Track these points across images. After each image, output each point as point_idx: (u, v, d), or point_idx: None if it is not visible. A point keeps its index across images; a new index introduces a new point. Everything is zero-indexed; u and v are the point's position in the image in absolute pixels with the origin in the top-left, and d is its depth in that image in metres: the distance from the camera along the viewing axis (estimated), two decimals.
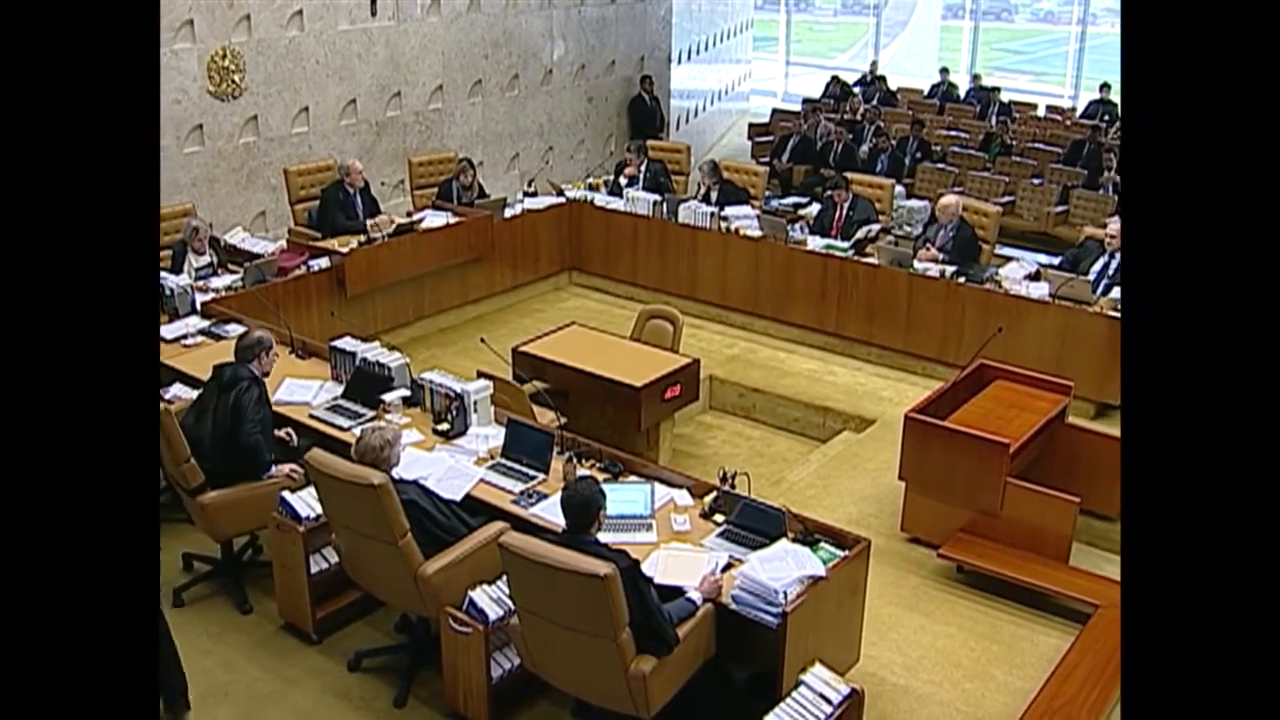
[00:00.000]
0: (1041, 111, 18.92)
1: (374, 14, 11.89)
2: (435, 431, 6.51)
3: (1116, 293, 8.69)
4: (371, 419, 6.61)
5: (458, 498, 5.75)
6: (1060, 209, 13.71)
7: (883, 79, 20.43)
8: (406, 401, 6.80)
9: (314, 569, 5.92)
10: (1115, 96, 18.42)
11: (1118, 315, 8.43)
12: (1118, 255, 9.02)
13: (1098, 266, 9.10)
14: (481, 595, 5.24)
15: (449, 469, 6.03)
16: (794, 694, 4.87)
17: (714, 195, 10.97)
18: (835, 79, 20.49)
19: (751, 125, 17.82)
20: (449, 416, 6.52)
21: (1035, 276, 9.27)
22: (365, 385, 6.87)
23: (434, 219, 10.22)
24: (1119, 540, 6.97)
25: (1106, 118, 17.52)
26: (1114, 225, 9.14)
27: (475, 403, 6.52)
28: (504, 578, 5.03)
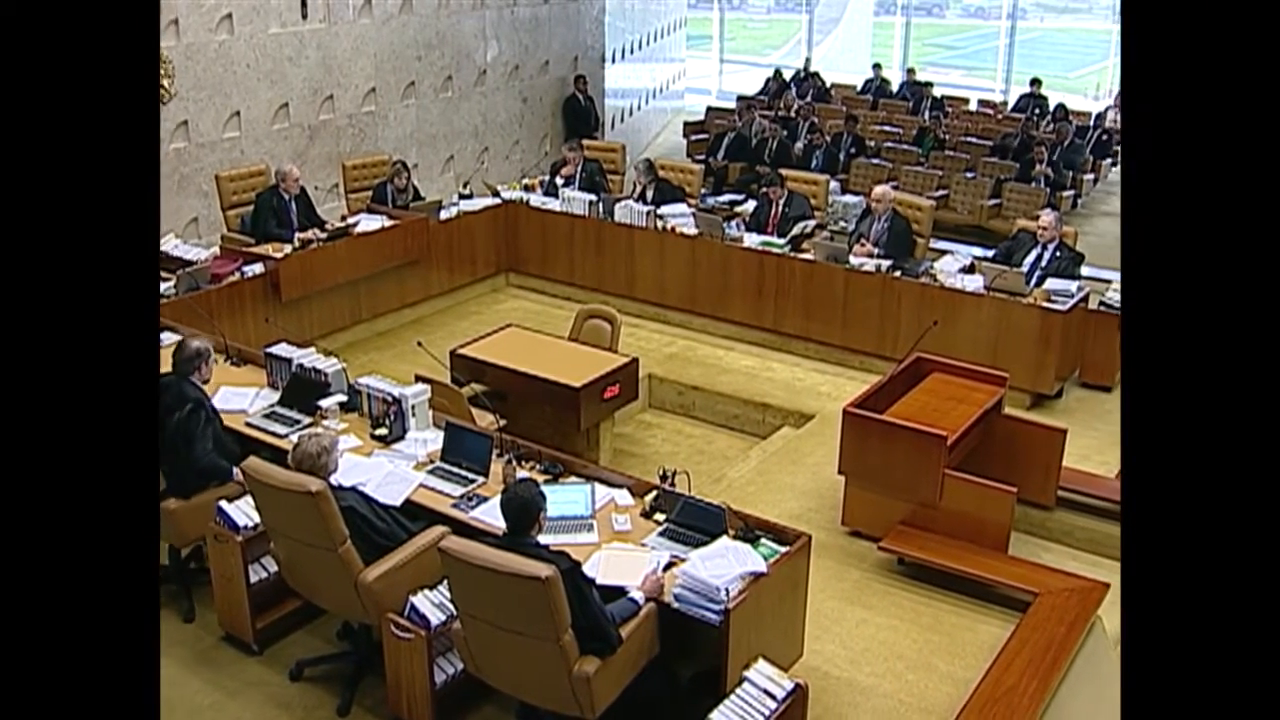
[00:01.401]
0: (973, 106, 19.12)
1: (305, 17, 11.80)
2: (373, 437, 6.47)
3: (1049, 284, 8.81)
4: (308, 426, 6.55)
5: (397, 503, 5.72)
6: (993, 202, 13.87)
7: (817, 75, 20.53)
8: (344, 407, 6.75)
9: (253, 578, 5.86)
10: (1045, 90, 18.66)
11: (1050, 306, 8.55)
12: (1049, 247, 9.15)
13: (1030, 258, 9.21)
14: (423, 600, 5.21)
15: (388, 474, 5.99)
16: (738, 690, 4.89)
17: (650, 194, 10.98)
18: (777, 73, 20.57)
19: (686, 123, 17.84)
20: (387, 421, 6.48)
21: (970, 269, 9.35)
22: (302, 392, 6.81)
23: (369, 222, 10.15)
24: (1056, 529, 7.11)
25: (1037, 111, 17.72)
26: (1046, 217, 9.26)
27: (413, 407, 6.48)
28: (445, 582, 5.01)
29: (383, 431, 6.47)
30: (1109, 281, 9.78)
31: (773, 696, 4.86)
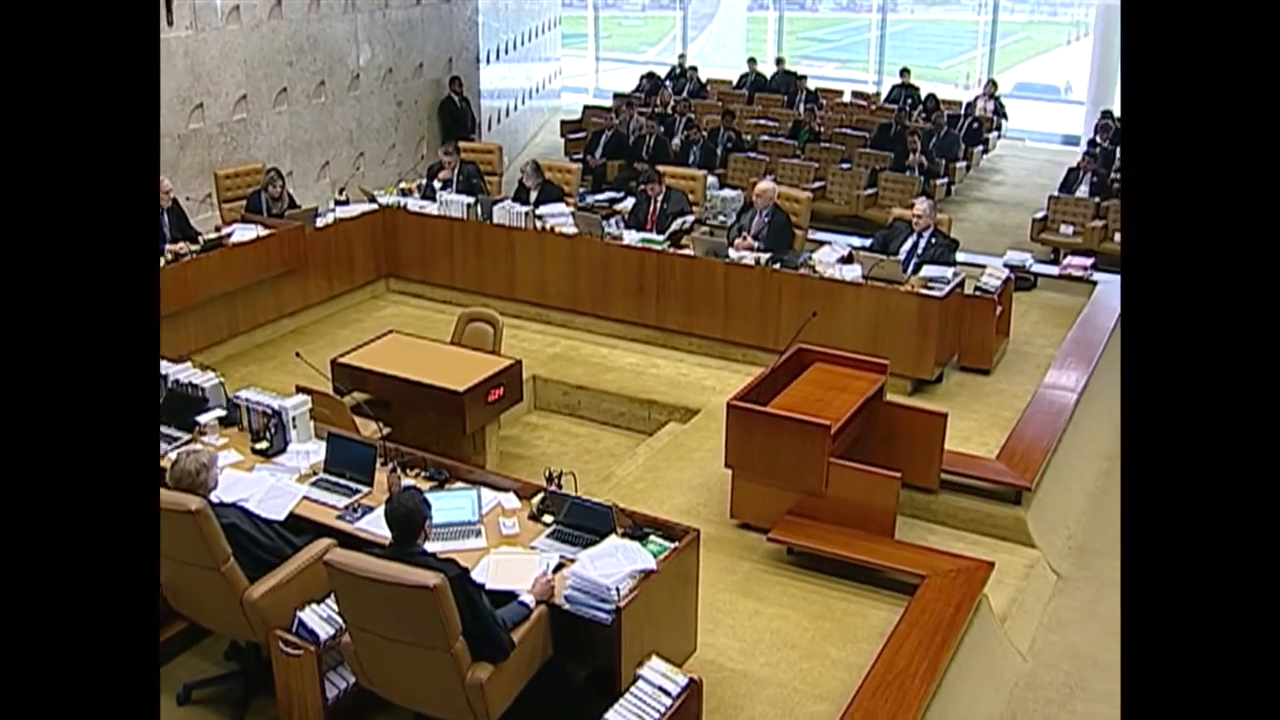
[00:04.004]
0: (847, 97, 19.34)
1: (170, 23, 11.53)
2: (254, 451, 6.36)
3: (926, 271, 8.96)
4: (187, 442, 6.41)
5: (281, 517, 5.63)
6: (869, 192, 14.08)
7: (694, 70, 20.62)
8: (223, 422, 6.62)
9: None
10: (916, 80, 18.98)
11: (927, 293, 8.69)
12: (925, 234, 9.31)
13: (907, 246, 9.36)
14: (311, 615, 5.13)
15: (270, 488, 5.89)
16: (633, 689, 4.88)
17: (534, 195, 10.94)
18: (650, 74, 20.61)
19: (564, 122, 17.82)
20: (267, 434, 6.38)
21: (848, 259, 9.47)
22: (178, 408, 6.66)
23: (243, 232, 9.97)
24: (941, 511, 7.23)
25: (909, 101, 18.00)
26: (920, 205, 9.42)
27: (294, 418, 6.38)
28: (333, 596, 4.95)
29: (263, 445, 6.36)
30: (983, 266, 9.98)
31: (667, 693, 4.86)
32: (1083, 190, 13.41)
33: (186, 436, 6.50)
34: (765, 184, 10.14)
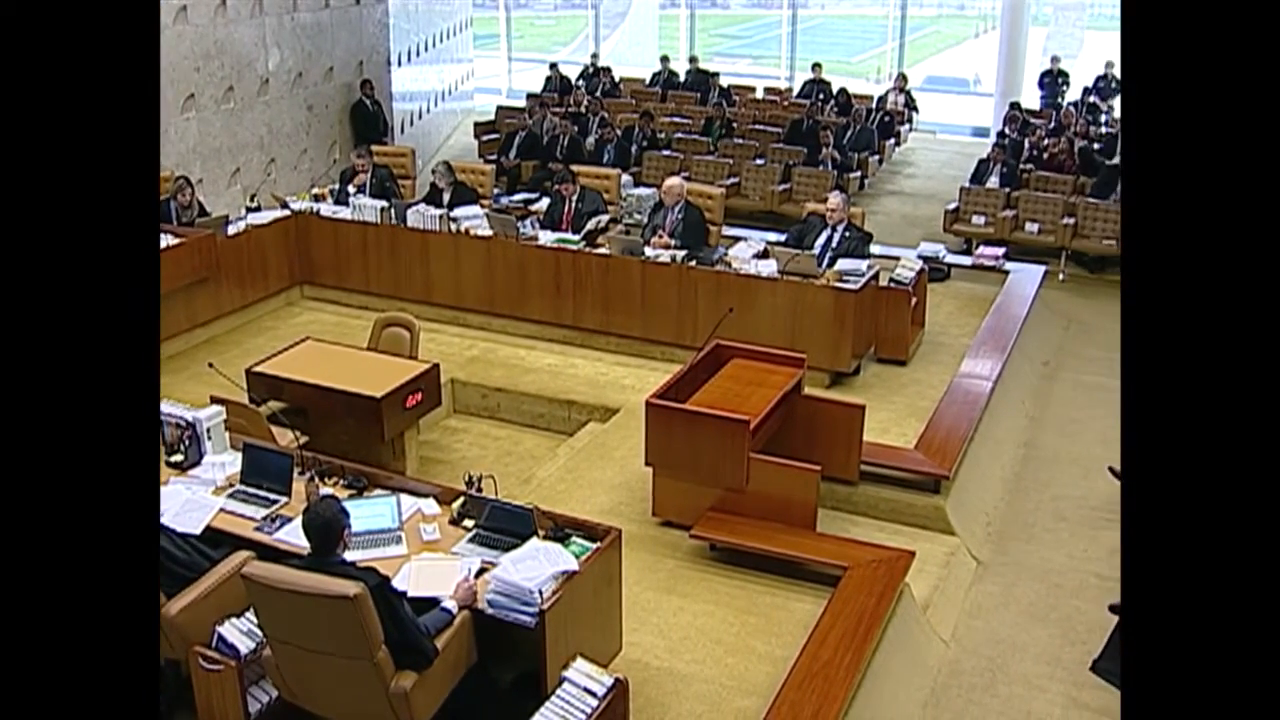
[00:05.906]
0: (760, 94, 19.45)
1: None
2: (169, 464, 6.25)
3: (840, 264, 9.03)
4: None
5: (197, 531, 5.54)
6: (783, 187, 14.16)
7: (607, 70, 20.63)
8: None
9: None
10: (828, 75, 19.14)
11: (843, 286, 8.76)
12: (839, 228, 9.38)
13: (821, 240, 9.43)
14: (230, 629, 5.05)
15: (185, 502, 5.80)
16: (559, 691, 4.89)
17: (448, 196, 10.88)
18: (553, 66, 20.59)
19: (477, 124, 17.74)
20: (182, 447, 6.27)
21: (763, 255, 9.52)
22: None
23: None
24: (861, 502, 7.29)
25: (821, 96, 18.15)
26: (834, 199, 9.50)
27: (209, 430, 6.28)
28: (252, 609, 4.89)
29: (178, 458, 6.26)
30: (897, 258, 10.09)
31: (593, 694, 4.87)
32: (993, 181, 13.60)
33: None
34: (672, 180, 10.19)
